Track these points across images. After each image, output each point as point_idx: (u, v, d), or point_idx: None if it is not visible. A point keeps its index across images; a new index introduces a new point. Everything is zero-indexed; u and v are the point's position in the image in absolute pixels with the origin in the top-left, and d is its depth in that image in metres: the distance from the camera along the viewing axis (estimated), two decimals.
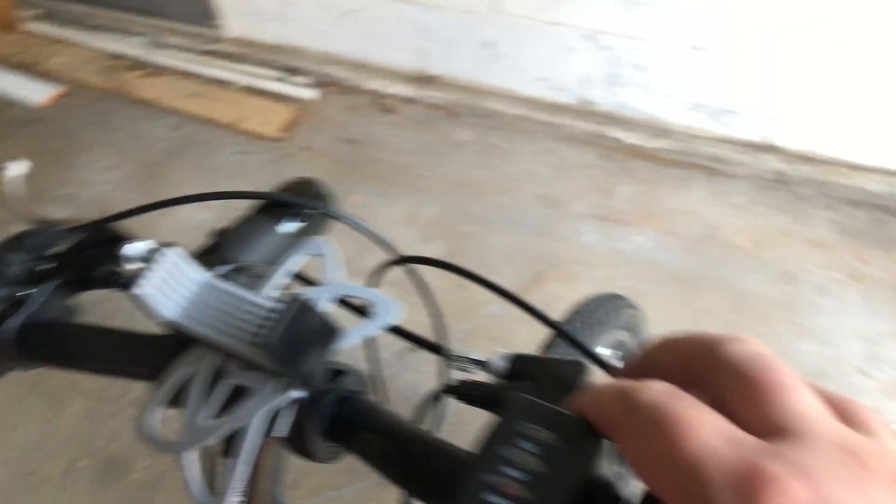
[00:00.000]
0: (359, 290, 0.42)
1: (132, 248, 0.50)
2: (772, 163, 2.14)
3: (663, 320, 1.82)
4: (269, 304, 0.38)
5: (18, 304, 0.49)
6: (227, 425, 0.39)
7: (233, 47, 2.63)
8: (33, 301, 0.48)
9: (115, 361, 0.48)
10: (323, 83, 2.54)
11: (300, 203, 0.53)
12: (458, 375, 0.44)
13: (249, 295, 0.39)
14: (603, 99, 2.26)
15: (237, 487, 0.39)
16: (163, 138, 2.44)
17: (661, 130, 2.23)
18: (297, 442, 0.42)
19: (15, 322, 0.48)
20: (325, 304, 0.41)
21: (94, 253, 0.50)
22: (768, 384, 0.24)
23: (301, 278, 0.52)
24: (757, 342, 0.27)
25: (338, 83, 2.53)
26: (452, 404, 0.46)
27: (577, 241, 2.05)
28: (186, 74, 2.59)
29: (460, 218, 2.11)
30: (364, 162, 2.30)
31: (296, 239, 0.55)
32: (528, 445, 0.31)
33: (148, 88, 2.53)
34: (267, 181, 2.25)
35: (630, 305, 1.15)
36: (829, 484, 0.21)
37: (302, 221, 0.55)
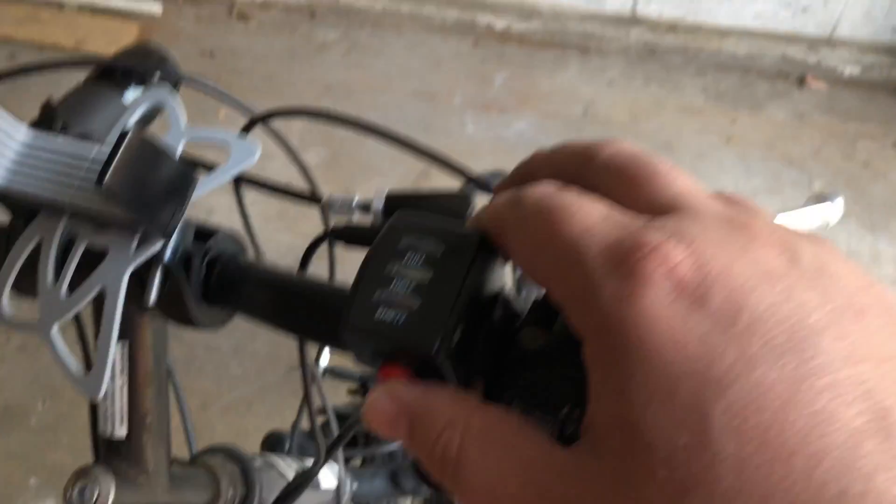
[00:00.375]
0: (212, 133, 0.37)
1: None
2: (640, 35, 2.16)
3: None
4: (107, 148, 0.33)
5: None
6: (85, 294, 0.34)
7: None
8: None
9: None
10: None
11: (142, 68, 0.47)
12: (337, 221, 0.40)
13: (86, 143, 0.34)
14: None
15: (109, 363, 0.34)
16: None
17: (529, 12, 2.20)
18: (175, 309, 0.38)
19: None
20: (176, 151, 0.36)
21: None
22: (648, 172, 0.23)
23: None
24: (629, 143, 0.25)
25: None
26: (340, 255, 0.43)
27: (460, 132, 2.02)
28: None
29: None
30: (225, 74, 2.16)
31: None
32: (413, 257, 0.28)
33: None
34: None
35: None
36: (713, 249, 0.19)
37: (142, 86, 0.49)
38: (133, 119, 0.37)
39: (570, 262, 0.21)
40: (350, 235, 0.40)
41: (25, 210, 0.38)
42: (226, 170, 0.35)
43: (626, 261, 0.19)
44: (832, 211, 0.43)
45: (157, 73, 0.47)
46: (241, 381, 1.66)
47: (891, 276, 1.77)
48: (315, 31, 2.25)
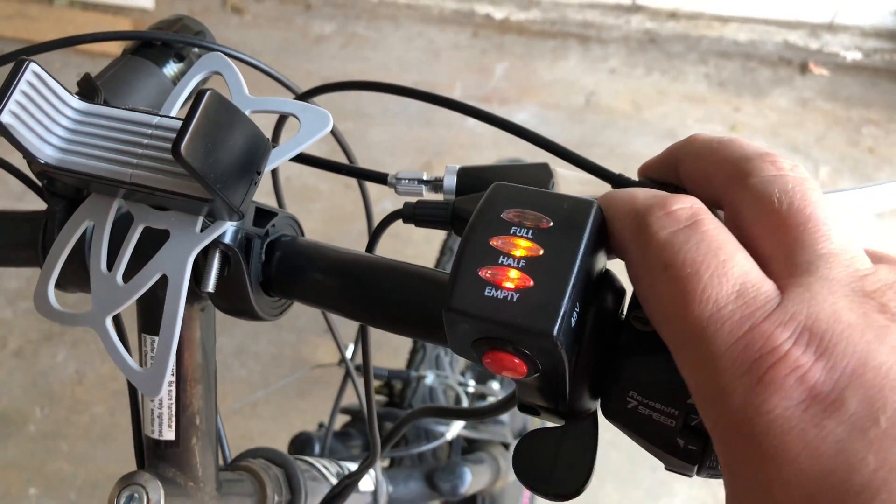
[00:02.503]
0: (280, 104, 0.34)
1: None
2: (640, 23, 2.14)
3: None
4: (176, 120, 0.30)
5: None
6: (148, 278, 0.31)
7: None
8: None
9: None
10: None
11: (184, 39, 0.43)
12: (405, 199, 0.37)
13: (148, 114, 0.30)
14: None
15: (171, 357, 0.31)
16: None
17: (528, 1, 2.18)
18: (231, 298, 0.35)
19: None
20: None
21: None
22: (800, 220, 0.22)
23: None
24: (794, 165, 0.24)
25: None
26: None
27: (461, 125, 1.99)
28: None
29: (336, 115, 1.98)
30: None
31: (178, 81, 0.45)
32: (520, 231, 0.25)
33: None
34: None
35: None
36: (846, 342, 0.18)
37: (181, 61, 0.45)
38: (191, 86, 0.34)
39: (699, 346, 0.20)
40: (424, 214, 0.37)
41: (69, 193, 0.35)
42: (298, 140, 0.32)
43: (756, 365, 0.19)
44: None
45: (194, 48, 0.44)
46: (244, 382, 1.62)
47: None
48: (311, 23, 2.21)
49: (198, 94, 0.25)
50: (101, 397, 1.65)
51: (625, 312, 0.28)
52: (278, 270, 0.35)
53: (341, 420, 0.83)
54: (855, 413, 0.17)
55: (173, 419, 0.40)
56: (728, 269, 0.21)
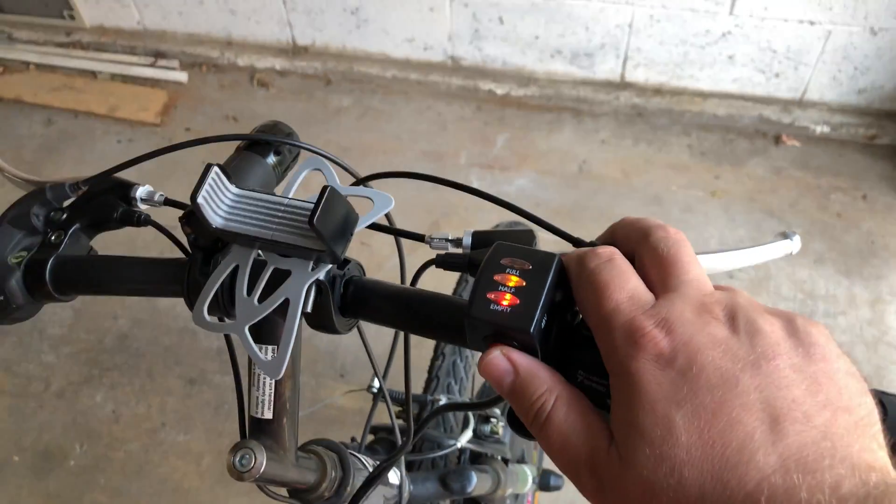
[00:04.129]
0: (360, 190, 0.52)
1: (143, 191, 0.58)
2: (629, 98, 2.36)
3: (553, 250, 2.00)
4: (300, 201, 0.48)
5: (48, 246, 0.55)
6: (277, 299, 0.48)
7: (92, 36, 2.56)
8: (62, 242, 0.55)
9: (146, 283, 0.56)
10: (193, 64, 2.53)
11: (281, 140, 0.62)
12: (436, 252, 0.55)
13: (282, 197, 0.49)
14: (470, 54, 2.40)
15: (289, 352, 0.48)
16: (36, 135, 2.36)
17: (526, 79, 2.40)
18: (320, 318, 0.52)
19: (49, 260, 0.54)
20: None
21: (108, 199, 0.57)
22: (672, 260, 0.38)
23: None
24: (675, 231, 0.40)
25: (208, 63, 2.52)
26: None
27: None
28: (48, 68, 2.50)
29: (350, 181, 2.19)
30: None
31: (277, 169, 0.64)
32: (511, 271, 0.43)
33: (9, 87, 2.43)
34: (153, 166, 2.24)
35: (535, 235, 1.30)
36: (683, 327, 0.33)
37: (278, 155, 0.64)
38: (300, 178, 0.52)
39: (605, 327, 0.36)
40: (448, 262, 0.55)
41: (207, 245, 0.53)
42: (372, 214, 0.50)
43: (632, 337, 0.33)
44: (792, 246, 0.58)
45: (287, 146, 0.63)
46: None
47: (867, 318, 1.93)
48: (330, 97, 2.44)
49: (323, 188, 0.44)
50: (136, 435, 1.80)
51: (576, 322, 0.45)
52: (351, 299, 0.53)
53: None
54: (680, 367, 0.32)
55: (272, 403, 0.57)
56: (625, 284, 0.37)
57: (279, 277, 0.49)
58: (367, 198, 0.52)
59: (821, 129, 2.28)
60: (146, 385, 1.87)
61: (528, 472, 1.10)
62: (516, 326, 0.42)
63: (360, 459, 0.73)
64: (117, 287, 0.56)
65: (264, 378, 0.57)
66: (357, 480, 0.69)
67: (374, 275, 0.56)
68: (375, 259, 1.96)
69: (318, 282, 0.50)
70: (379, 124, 2.36)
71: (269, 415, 0.57)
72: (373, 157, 2.26)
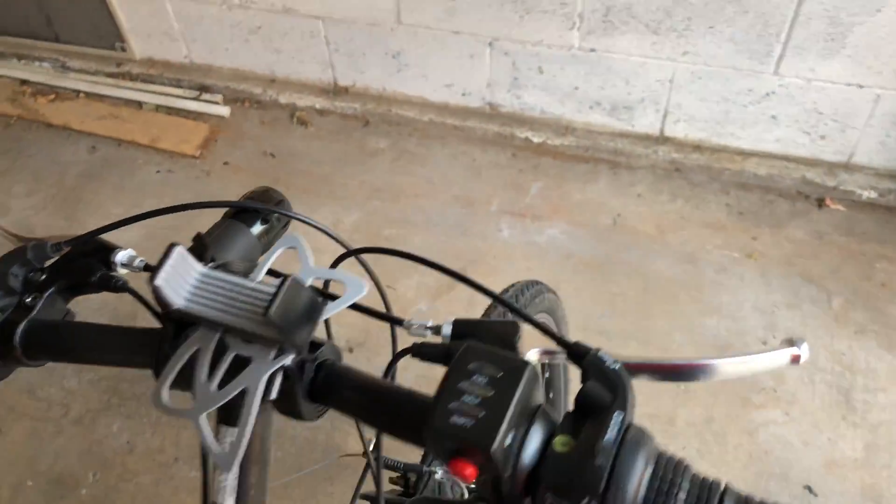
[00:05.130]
0: (333, 273, 0.51)
1: (124, 255, 0.57)
2: (667, 153, 2.32)
3: (581, 304, 1.96)
4: (265, 287, 0.46)
5: (22, 308, 0.55)
6: (235, 388, 0.47)
7: (141, 68, 2.63)
8: (36, 305, 0.54)
9: (115, 353, 0.55)
10: (236, 99, 2.58)
11: (268, 209, 0.61)
12: (415, 340, 0.53)
13: (247, 280, 0.47)
14: (508, 101, 2.39)
15: (244, 445, 0.46)
16: (80, 161, 2.42)
17: (564, 128, 2.38)
18: (287, 404, 0.50)
19: (21, 323, 0.54)
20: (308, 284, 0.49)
21: (88, 261, 0.57)
22: None
23: (273, 272, 0.60)
24: None
25: (251, 99, 2.57)
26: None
27: (495, 237, 2.17)
28: (97, 97, 2.57)
29: (382, 222, 2.20)
30: (284, 174, 2.35)
31: (263, 238, 0.63)
32: (479, 378, 0.41)
33: (58, 113, 2.51)
34: (190, 197, 2.27)
35: (548, 290, 1.26)
36: None
37: (265, 223, 0.63)
38: (273, 257, 0.51)
39: None
40: (426, 353, 0.52)
41: (178, 318, 0.52)
42: (344, 300, 0.48)
43: None
44: (801, 353, 0.54)
45: (276, 214, 0.61)
46: (279, 463, 1.76)
47: None
48: (367, 138, 2.45)
49: (282, 279, 0.42)
50: (148, 468, 1.80)
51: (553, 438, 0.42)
52: (321, 385, 0.50)
53: None
54: None
55: (234, 491, 0.55)
56: None
57: (241, 364, 0.48)
58: (341, 282, 0.50)
59: (867, 194, 2.21)
60: (162, 417, 1.87)
61: None
62: (477, 444, 0.39)
63: None
64: (87, 356, 0.55)
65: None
66: None
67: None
68: (400, 303, 1.95)
69: (284, 367, 0.48)
70: (413, 167, 2.36)
71: (230, 502, 0.55)
72: (405, 201, 2.26)
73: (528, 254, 2.12)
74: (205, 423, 0.48)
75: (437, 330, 0.53)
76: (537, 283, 1.25)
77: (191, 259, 0.47)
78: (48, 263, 0.60)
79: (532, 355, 0.49)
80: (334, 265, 0.63)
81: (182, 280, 0.47)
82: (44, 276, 0.58)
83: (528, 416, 0.42)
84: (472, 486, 1.01)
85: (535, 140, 2.38)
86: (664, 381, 0.47)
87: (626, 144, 2.34)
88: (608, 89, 2.27)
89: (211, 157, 2.41)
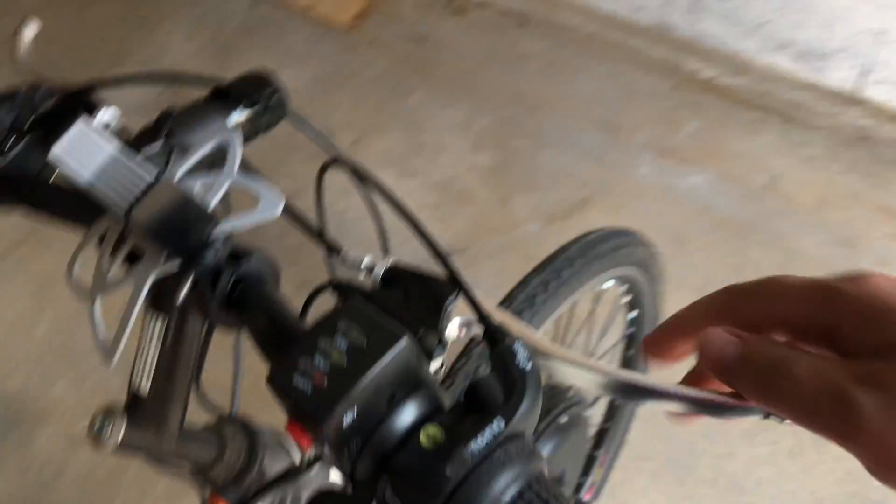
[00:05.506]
0: (251, 182, 0.44)
1: (107, 114, 0.53)
2: (855, 118, 2.01)
3: (706, 265, 1.78)
4: (148, 181, 0.41)
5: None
6: (122, 284, 0.42)
7: None
8: (11, 151, 0.52)
9: (60, 211, 0.52)
10: None
11: (251, 94, 0.55)
12: (344, 273, 0.46)
13: (148, 165, 0.41)
14: (684, 25, 2.14)
15: (123, 341, 0.42)
16: (239, 14, 2.46)
17: (741, 67, 2.12)
18: (202, 308, 0.45)
19: None
20: (216, 192, 0.42)
21: (70, 115, 0.53)
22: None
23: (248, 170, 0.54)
24: (874, 275, 0.30)
25: None
26: None
27: (630, 171, 2.00)
28: None
29: (514, 131, 2.08)
30: (428, 62, 2.27)
31: (244, 128, 0.57)
32: (340, 341, 0.33)
33: None
34: (332, 70, 2.27)
35: (642, 242, 1.14)
36: None
37: (248, 110, 0.56)
38: (199, 155, 0.44)
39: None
40: (344, 291, 0.45)
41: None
42: (247, 217, 0.41)
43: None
44: None
45: (263, 103, 0.55)
46: None
47: None
48: (522, 39, 2.31)
49: (152, 182, 0.36)
50: None
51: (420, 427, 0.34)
52: (236, 299, 0.45)
53: None
54: None
55: (150, 378, 0.52)
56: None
57: (138, 258, 0.43)
58: (257, 194, 0.43)
59: None
60: None
61: None
62: (308, 418, 0.33)
63: (285, 448, 0.67)
64: (37, 211, 0.53)
65: (150, 345, 0.52)
66: (269, 470, 0.64)
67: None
68: (507, 219, 1.87)
69: (195, 275, 0.43)
70: (562, 79, 2.20)
71: (145, 387, 0.52)
72: (543, 113, 2.12)
73: (662, 197, 1.95)
74: (97, 308, 0.44)
75: (370, 270, 0.45)
76: (629, 232, 1.12)
77: (102, 135, 0.42)
78: (42, 110, 0.57)
79: (453, 326, 0.40)
80: (320, 174, 0.56)
81: (89, 154, 0.42)
82: (28, 124, 0.55)
83: (390, 396, 0.34)
84: None
85: (704, 74, 2.13)
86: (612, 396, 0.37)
87: (809, 98, 2.05)
88: (802, 31, 1.97)
89: (359, 34, 2.37)
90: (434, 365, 0.40)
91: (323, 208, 0.50)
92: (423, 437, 0.33)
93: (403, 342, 0.33)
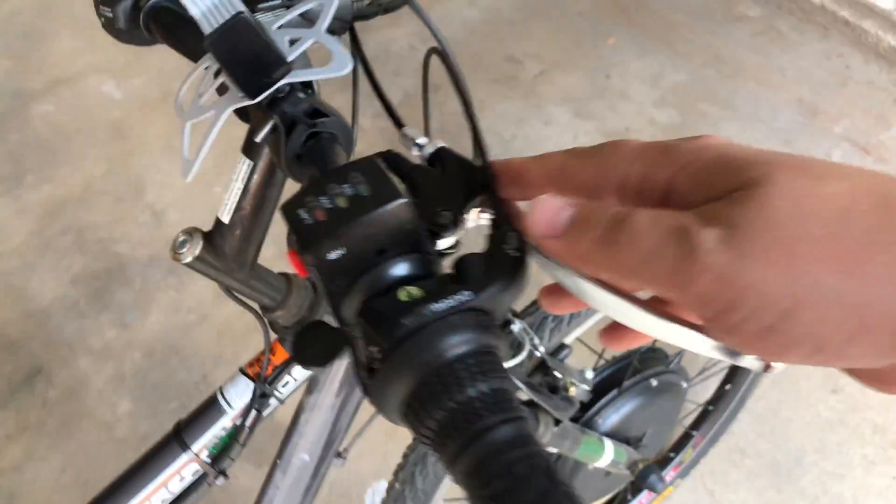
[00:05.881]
0: (327, 40, 0.47)
1: None
2: None
3: None
4: (233, 11, 0.45)
5: None
6: (206, 112, 0.48)
7: None
8: None
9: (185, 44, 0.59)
10: None
11: None
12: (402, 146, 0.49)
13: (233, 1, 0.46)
14: None
15: (199, 160, 0.48)
16: None
17: None
18: (277, 156, 0.51)
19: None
20: (301, 45, 0.46)
21: None
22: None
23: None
24: (709, 135, 0.29)
25: None
26: None
27: (826, 153, 1.85)
28: None
29: (705, 94, 1.98)
30: (637, 6, 2.20)
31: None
32: (347, 188, 0.37)
33: None
34: None
35: None
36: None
37: None
38: (303, 7, 0.49)
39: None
40: (391, 162, 0.49)
41: None
42: (317, 71, 0.46)
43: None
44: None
45: None
46: None
47: None
48: (740, 1, 2.16)
49: (234, 15, 0.41)
50: None
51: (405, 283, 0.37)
52: (307, 153, 0.50)
53: None
54: None
55: (231, 211, 0.59)
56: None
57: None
58: (332, 54, 0.47)
59: None
60: None
61: (604, 445, 1.01)
62: (302, 249, 0.37)
63: None
64: (180, 48, 0.60)
65: (236, 183, 0.59)
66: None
67: None
68: None
69: (274, 121, 0.49)
70: (772, 50, 2.05)
71: (225, 218, 0.59)
72: (742, 81, 2.00)
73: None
74: (187, 128, 0.50)
75: (420, 147, 0.48)
76: None
77: None
78: None
79: (473, 211, 0.43)
80: (425, 60, 0.58)
81: None
82: None
83: (380, 250, 0.37)
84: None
85: None
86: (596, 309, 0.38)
87: None
88: None
89: None
90: (444, 242, 0.42)
91: (427, 95, 0.53)
92: (401, 293, 0.36)
93: (399, 202, 0.36)
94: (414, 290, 0.35)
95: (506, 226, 0.37)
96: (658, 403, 1.16)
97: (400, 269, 0.37)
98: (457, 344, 0.34)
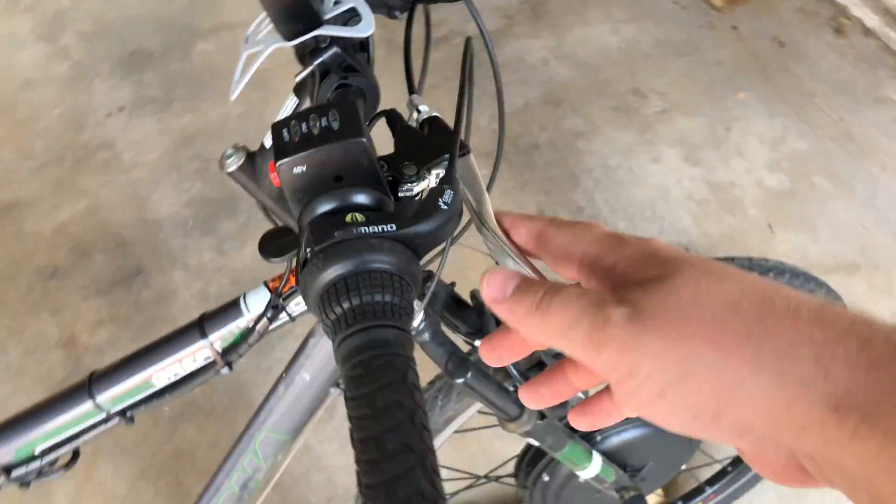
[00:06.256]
0: (361, 4, 0.56)
1: None
2: None
3: None
4: None
5: None
6: (258, 46, 0.58)
7: None
8: None
9: None
10: None
11: None
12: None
13: None
14: None
15: (245, 80, 0.58)
16: None
17: None
18: (311, 100, 0.60)
19: None
20: (340, 6, 0.55)
21: None
22: None
23: None
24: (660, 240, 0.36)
25: None
26: None
27: (869, 204, 1.78)
28: None
29: (823, 168, 1.93)
30: (777, 67, 2.16)
31: None
32: (323, 121, 0.45)
33: None
34: (680, 39, 2.26)
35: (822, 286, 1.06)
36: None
37: None
38: None
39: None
40: (390, 118, 0.57)
41: None
42: (343, 30, 0.54)
43: None
44: None
45: None
46: None
47: None
48: (888, 82, 2.08)
49: None
50: None
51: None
52: (334, 95, 0.59)
53: None
54: None
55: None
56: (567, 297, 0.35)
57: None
58: (362, 16, 0.56)
59: None
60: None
61: (591, 458, 1.03)
62: (275, 155, 0.46)
63: None
64: None
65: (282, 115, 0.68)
66: None
67: None
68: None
69: (315, 64, 0.58)
70: None
71: (268, 144, 0.69)
72: (865, 162, 1.92)
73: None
74: (243, 57, 0.60)
75: (419, 113, 0.56)
76: (815, 278, 1.05)
77: None
78: None
79: (435, 170, 0.51)
80: (466, 46, 0.66)
81: None
82: None
83: (337, 177, 0.46)
84: None
85: None
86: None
87: None
88: None
89: (727, 15, 2.31)
90: (406, 189, 0.50)
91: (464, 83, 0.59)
92: (348, 216, 0.44)
93: (356, 140, 0.44)
94: (359, 216, 0.43)
95: (447, 185, 0.45)
96: (665, 441, 1.17)
97: (350, 197, 0.45)
98: (370, 261, 0.42)
